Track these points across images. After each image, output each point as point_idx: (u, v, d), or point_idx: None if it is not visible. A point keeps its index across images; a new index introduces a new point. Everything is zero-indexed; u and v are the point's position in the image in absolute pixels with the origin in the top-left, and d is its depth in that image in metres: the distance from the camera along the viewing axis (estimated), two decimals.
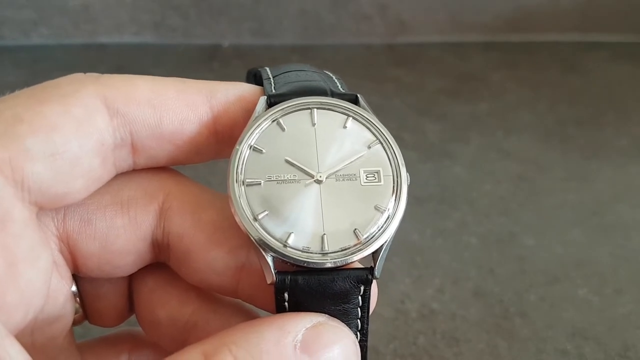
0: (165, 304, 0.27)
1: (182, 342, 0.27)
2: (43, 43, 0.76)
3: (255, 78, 0.28)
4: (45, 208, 0.22)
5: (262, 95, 0.24)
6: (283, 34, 0.80)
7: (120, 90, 0.23)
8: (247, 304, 0.26)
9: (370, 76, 0.72)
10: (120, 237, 0.24)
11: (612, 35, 0.82)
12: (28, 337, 0.22)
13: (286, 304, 0.23)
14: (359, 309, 0.23)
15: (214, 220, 0.25)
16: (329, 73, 0.28)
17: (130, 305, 0.28)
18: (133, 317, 0.29)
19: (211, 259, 0.24)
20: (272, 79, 0.26)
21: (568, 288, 0.44)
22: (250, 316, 0.27)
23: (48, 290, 0.22)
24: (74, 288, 0.25)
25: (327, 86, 0.25)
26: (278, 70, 0.27)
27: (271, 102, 0.24)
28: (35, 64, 0.72)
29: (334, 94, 0.25)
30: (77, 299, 0.26)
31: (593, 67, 0.76)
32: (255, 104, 0.24)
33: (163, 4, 0.78)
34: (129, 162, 0.24)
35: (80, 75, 0.23)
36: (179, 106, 0.24)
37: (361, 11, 0.80)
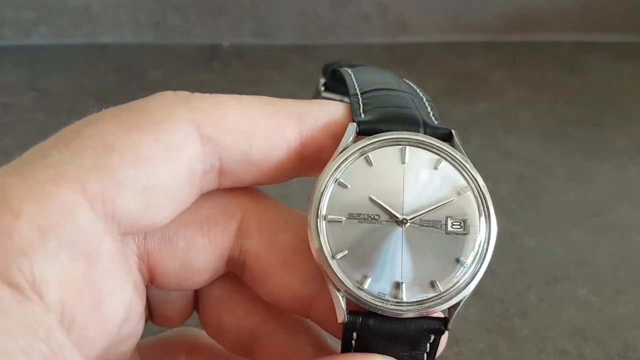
0: (231, 313, 0.26)
1: (246, 349, 0.26)
2: (43, 43, 0.76)
3: (334, 76, 0.27)
4: (131, 235, 0.22)
5: (351, 122, 0.23)
6: (283, 34, 0.80)
7: (211, 115, 0.22)
8: (313, 323, 0.26)
9: None
10: (200, 256, 0.24)
11: (612, 35, 0.82)
12: (103, 359, 0.22)
13: (353, 342, 0.22)
14: (425, 354, 0.23)
15: (292, 242, 0.24)
16: (418, 91, 0.26)
17: (195, 306, 0.27)
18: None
19: (286, 282, 0.24)
20: (359, 97, 0.24)
21: (568, 288, 0.44)
22: (314, 336, 0.26)
23: (127, 314, 0.22)
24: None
25: (420, 116, 0.24)
26: (365, 82, 0.26)
27: (360, 131, 0.23)
28: (35, 64, 0.72)
29: (426, 126, 0.23)
30: (145, 305, 0.26)
31: (593, 67, 0.76)
32: (343, 129, 0.23)
33: (163, 4, 0.78)
34: (214, 184, 0.23)
35: (170, 95, 0.22)
36: (268, 132, 0.23)
37: (361, 11, 0.80)
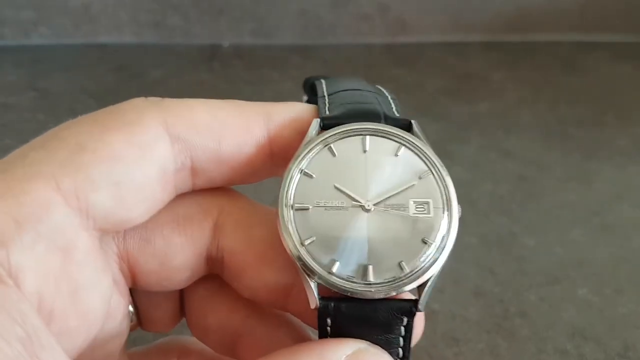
0: (215, 312, 0.27)
1: (231, 347, 0.27)
2: (43, 43, 0.76)
3: (311, 89, 0.28)
4: (108, 232, 0.23)
5: (315, 118, 0.24)
6: (283, 34, 0.80)
7: (181, 116, 0.23)
8: (294, 317, 0.27)
9: (370, 76, 0.72)
10: (178, 255, 0.25)
11: (612, 35, 0.82)
12: (88, 358, 0.22)
13: (329, 328, 0.23)
14: (401, 338, 0.23)
15: (266, 237, 0.25)
16: (384, 91, 0.27)
17: (182, 310, 0.29)
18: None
19: (262, 276, 0.25)
20: (326, 98, 0.26)
21: (568, 288, 0.44)
22: (294, 329, 0.27)
23: (108, 310, 0.23)
24: (130, 305, 0.26)
25: (382, 110, 0.25)
26: (333, 87, 0.27)
27: (324, 125, 0.24)
28: (35, 64, 0.72)
29: (387, 118, 0.24)
30: (132, 309, 0.27)
31: (593, 67, 0.76)
32: (309, 126, 0.24)
33: (163, 4, 0.78)
34: (188, 184, 0.24)
35: (141, 100, 0.23)
36: (237, 130, 0.24)
37: (361, 11, 0.80)
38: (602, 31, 0.82)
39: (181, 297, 0.28)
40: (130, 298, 0.26)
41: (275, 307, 0.26)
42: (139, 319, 0.28)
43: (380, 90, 0.28)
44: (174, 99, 0.24)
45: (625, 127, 0.65)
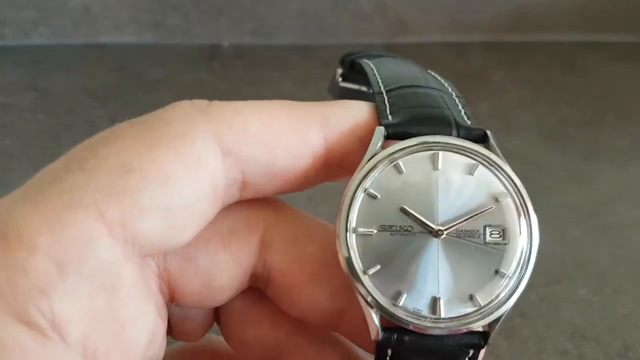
0: (255, 326, 0.25)
1: None
2: (43, 43, 0.76)
3: (353, 67, 0.25)
4: (152, 256, 0.21)
5: (378, 125, 0.22)
6: (283, 34, 0.80)
7: (232, 126, 0.20)
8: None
9: None
10: (223, 273, 0.22)
11: (612, 35, 0.82)
12: None
13: (388, 358, 0.21)
14: None
15: (318, 255, 0.23)
16: (447, 86, 0.25)
17: (215, 318, 0.26)
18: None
19: (314, 297, 0.23)
20: (385, 96, 0.23)
21: (568, 288, 0.44)
22: (345, 348, 0.25)
23: (151, 338, 0.21)
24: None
25: (452, 116, 0.22)
26: (389, 79, 0.24)
27: (389, 134, 0.21)
28: (35, 64, 0.72)
29: (459, 127, 0.22)
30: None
31: (593, 67, 0.76)
32: (369, 131, 0.22)
33: (163, 4, 0.78)
34: (236, 197, 0.22)
35: (187, 106, 0.21)
36: (292, 141, 0.21)
37: (361, 11, 0.80)
38: (602, 31, 0.82)
39: (216, 307, 0.26)
40: (167, 317, 0.23)
41: (324, 328, 0.24)
42: (170, 329, 0.25)
43: (441, 83, 0.25)
44: (223, 103, 0.21)
45: (625, 127, 0.64)
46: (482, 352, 0.22)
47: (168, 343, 0.27)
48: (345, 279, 0.21)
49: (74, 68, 0.72)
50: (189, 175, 0.19)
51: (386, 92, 0.23)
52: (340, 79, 0.30)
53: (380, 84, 0.24)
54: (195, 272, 0.22)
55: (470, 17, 0.82)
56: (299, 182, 0.22)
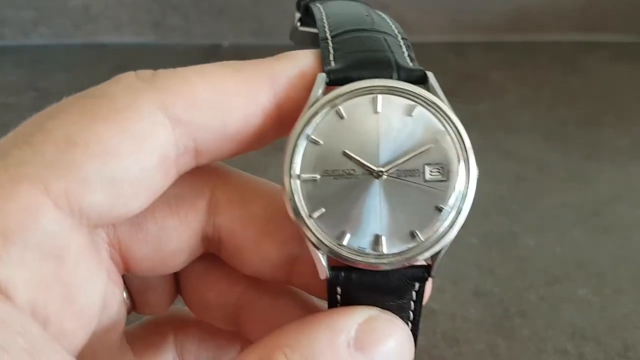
0: (213, 288, 0.26)
1: (233, 321, 0.26)
2: (43, 43, 0.77)
3: (307, 11, 0.26)
4: (102, 226, 0.21)
5: (320, 72, 0.22)
6: (283, 34, 0.80)
7: (179, 94, 0.20)
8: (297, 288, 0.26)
9: None
10: (173, 238, 0.23)
11: (612, 35, 0.82)
12: (89, 352, 0.21)
13: (338, 297, 0.22)
14: (412, 302, 0.22)
15: (264, 211, 0.24)
16: (393, 27, 0.25)
17: (177, 289, 0.27)
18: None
19: (264, 252, 0.24)
20: (330, 42, 0.23)
21: (568, 288, 0.44)
22: (299, 298, 0.26)
23: (104, 303, 0.22)
24: (124, 291, 0.25)
25: (394, 58, 0.22)
26: (335, 23, 0.24)
27: (331, 80, 0.22)
28: (35, 64, 0.72)
29: (400, 69, 0.22)
30: (126, 294, 0.25)
31: (593, 67, 0.76)
32: (314, 78, 0.22)
33: (163, 4, 0.78)
34: (191, 164, 0.22)
35: (132, 78, 0.21)
36: (242, 102, 0.21)
37: None
38: (602, 31, 0.82)
39: (176, 277, 0.27)
40: (123, 285, 0.24)
41: (278, 282, 0.25)
42: (133, 303, 0.26)
43: (387, 24, 0.25)
44: (167, 71, 0.21)
45: (625, 127, 0.65)
46: (429, 286, 0.22)
47: (136, 319, 0.28)
48: (292, 229, 0.22)
49: (74, 68, 0.72)
50: (135, 149, 0.20)
51: (331, 37, 0.23)
52: (298, 24, 0.30)
53: (326, 29, 0.24)
54: (145, 239, 0.23)
55: (470, 17, 0.82)
56: (254, 141, 0.22)
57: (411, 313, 0.22)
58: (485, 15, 0.81)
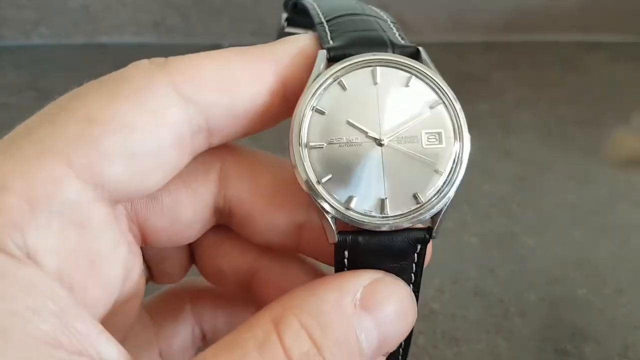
0: (226, 255, 0.28)
1: (246, 286, 0.28)
2: (43, 43, 0.77)
3: (295, 8, 0.27)
4: (123, 202, 0.23)
5: (320, 49, 0.24)
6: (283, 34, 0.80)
7: (189, 75, 0.22)
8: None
9: None
10: (186, 209, 0.25)
11: (612, 35, 0.82)
12: (110, 322, 0.22)
13: (345, 261, 0.23)
14: (414, 264, 0.24)
15: (272, 183, 0.25)
16: (382, 14, 0.27)
17: (191, 259, 0.29)
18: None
19: (273, 221, 0.25)
20: (325, 25, 0.25)
21: (568, 288, 0.44)
22: (307, 265, 0.28)
23: (125, 274, 0.23)
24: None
25: (387, 37, 0.24)
26: (328, 10, 0.26)
27: (331, 56, 0.23)
28: (35, 64, 0.72)
29: (394, 46, 0.24)
30: (144, 265, 0.27)
31: (593, 67, 0.76)
32: (315, 57, 0.23)
33: (163, 4, 0.78)
34: (204, 146, 0.24)
35: (146, 63, 0.22)
36: (249, 82, 0.23)
37: None
38: (602, 31, 0.82)
39: (190, 247, 0.28)
40: (141, 256, 0.25)
41: (287, 250, 0.26)
42: (151, 274, 0.28)
43: (378, 12, 0.27)
44: (178, 57, 0.23)
45: (625, 127, 0.65)
46: (429, 248, 0.24)
47: (155, 290, 0.29)
48: (299, 198, 0.23)
49: (74, 68, 0.72)
50: (151, 123, 0.21)
51: (326, 21, 0.25)
52: (285, 24, 0.32)
53: (320, 15, 0.26)
54: (161, 211, 0.24)
55: (470, 17, 0.82)
56: (262, 120, 0.24)
57: (413, 275, 0.24)
58: (485, 15, 0.81)
